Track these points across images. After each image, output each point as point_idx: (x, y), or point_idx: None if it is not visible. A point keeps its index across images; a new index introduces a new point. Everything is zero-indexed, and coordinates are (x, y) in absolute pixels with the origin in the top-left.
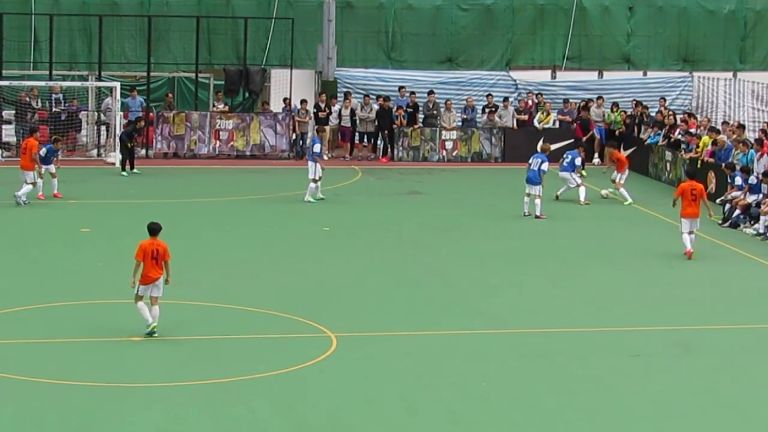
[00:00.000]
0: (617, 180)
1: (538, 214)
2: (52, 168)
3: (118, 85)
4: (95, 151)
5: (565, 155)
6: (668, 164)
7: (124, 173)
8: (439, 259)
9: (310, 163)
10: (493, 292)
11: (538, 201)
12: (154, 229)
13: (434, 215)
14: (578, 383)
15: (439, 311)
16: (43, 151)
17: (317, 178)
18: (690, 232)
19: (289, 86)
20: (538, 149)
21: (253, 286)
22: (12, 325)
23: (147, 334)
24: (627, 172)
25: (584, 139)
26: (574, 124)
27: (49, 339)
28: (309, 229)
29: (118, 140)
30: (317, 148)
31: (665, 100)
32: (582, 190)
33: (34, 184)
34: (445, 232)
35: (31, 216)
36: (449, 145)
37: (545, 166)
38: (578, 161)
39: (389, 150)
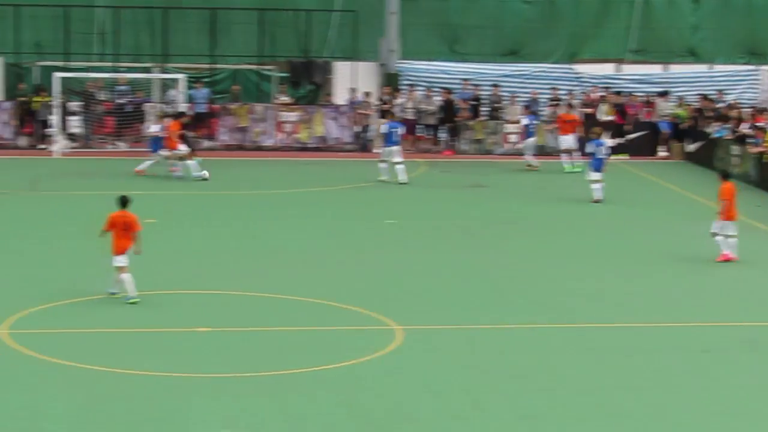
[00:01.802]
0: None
1: (599, 197)
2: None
3: (182, 77)
4: None
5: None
6: (736, 158)
7: None
8: (503, 252)
9: (398, 148)
10: (559, 286)
11: (599, 185)
12: (123, 202)
13: (498, 208)
14: (646, 378)
15: (505, 304)
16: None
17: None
18: (728, 236)
19: (352, 79)
20: (593, 135)
21: (318, 277)
22: (82, 314)
23: (121, 299)
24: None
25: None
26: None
27: (117, 329)
28: (373, 222)
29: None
30: (402, 130)
31: (722, 93)
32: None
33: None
34: (509, 225)
35: (98, 206)
36: (513, 137)
37: (606, 150)
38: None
39: (452, 143)
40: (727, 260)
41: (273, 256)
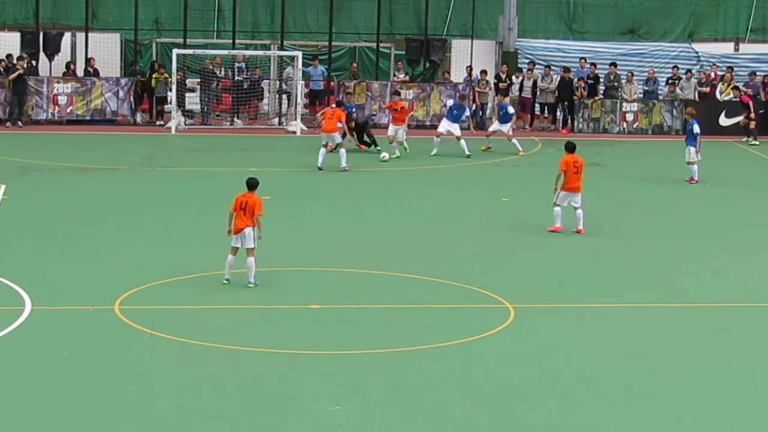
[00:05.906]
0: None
1: (696, 178)
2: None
3: (300, 54)
4: (276, 120)
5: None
6: None
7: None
8: (618, 231)
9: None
10: (674, 265)
11: (695, 167)
12: (250, 184)
13: (614, 187)
14: (758, 359)
15: (618, 283)
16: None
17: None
18: (575, 208)
19: (469, 57)
20: (687, 117)
21: (431, 255)
22: (195, 291)
23: (224, 281)
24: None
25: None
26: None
27: (229, 305)
28: (488, 200)
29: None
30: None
31: None
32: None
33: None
34: (625, 204)
35: (214, 183)
36: (630, 116)
37: (696, 128)
38: (510, 110)
39: (569, 121)
40: None
41: (387, 234)
